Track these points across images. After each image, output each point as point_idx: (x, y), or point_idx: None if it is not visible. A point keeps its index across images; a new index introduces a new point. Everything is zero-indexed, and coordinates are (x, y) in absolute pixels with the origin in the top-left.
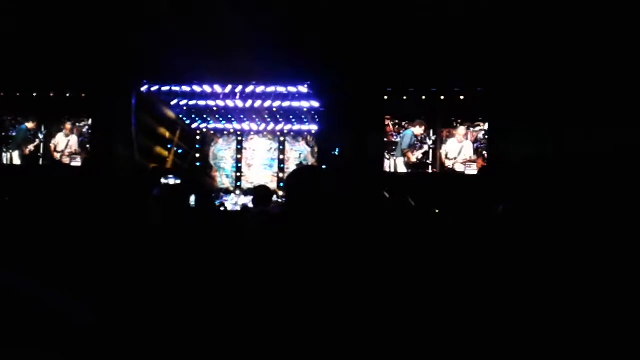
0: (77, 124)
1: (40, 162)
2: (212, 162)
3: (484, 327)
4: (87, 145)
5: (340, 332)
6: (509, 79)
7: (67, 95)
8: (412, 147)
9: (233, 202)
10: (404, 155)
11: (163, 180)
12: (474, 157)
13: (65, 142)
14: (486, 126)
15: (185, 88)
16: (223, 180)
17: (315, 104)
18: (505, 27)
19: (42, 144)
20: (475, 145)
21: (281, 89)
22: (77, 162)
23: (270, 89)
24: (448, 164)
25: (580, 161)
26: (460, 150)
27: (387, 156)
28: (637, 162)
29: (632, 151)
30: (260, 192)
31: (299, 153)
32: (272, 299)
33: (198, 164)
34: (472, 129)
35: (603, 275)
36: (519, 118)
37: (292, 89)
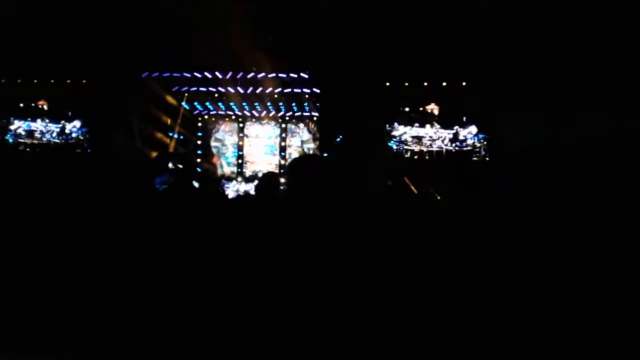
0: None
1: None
2: (213, 149)
3: (483, 316)
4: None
5: (345, 321)
6: (510, 68)
7: (68, 81)
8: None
9: (234, 189)
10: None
11: (170, 166)
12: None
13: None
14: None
15: (187, 74)
16: (224, 167)
17: (317, 90)
18: (507, 15)
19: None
20: (476, 134)
21: (282, 76)
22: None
23: (272, 75)
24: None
25: (574, 151)
26: (438, 137)
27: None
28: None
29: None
30: (267, 180)
31: (300, 140)
32: (275, 291)
33: (199, 151)
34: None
35: (603, 266)
36: (517, 107)
37: (293, 75)
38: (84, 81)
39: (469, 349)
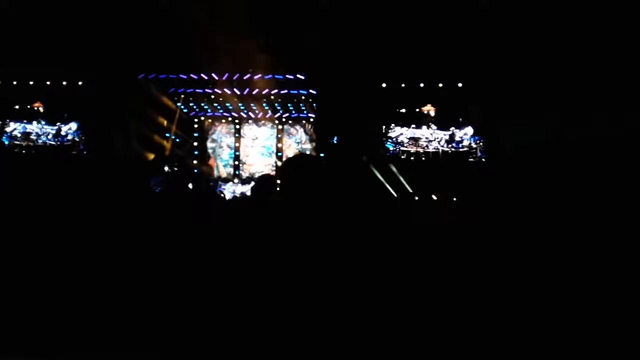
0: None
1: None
2: (209, 151)
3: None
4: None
5: (342, 319)
6: (506, 68)
7: (64, 83)
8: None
9: (231, 191)
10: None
11: (166, 169)
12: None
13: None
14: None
15: (183, 76)
16: (220, 168)
17: (313, 91)
18: (502, 15)
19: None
20: (473, 135)
21: (279, 77)
22: None
23: (268, 77)
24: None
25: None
26: (434, 137)
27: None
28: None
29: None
30: (262, 182)
31: (296, 141)
32: (270, 289)
33: (196, 152)
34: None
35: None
36: (512, 107)
37: (290, 77)
38: (80, 83)
39: (469, 347)
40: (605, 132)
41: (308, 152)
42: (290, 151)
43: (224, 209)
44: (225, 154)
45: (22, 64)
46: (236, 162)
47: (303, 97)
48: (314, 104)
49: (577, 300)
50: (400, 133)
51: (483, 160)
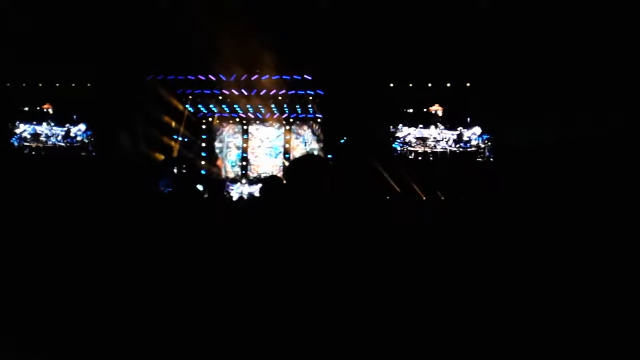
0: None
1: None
2: (217, 151)
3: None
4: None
5: (347, 321)
6: (513, 69)
7: (73, 85)
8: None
9: (239, 191)
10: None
11: (175, 170)
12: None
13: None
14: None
15: (191, 77)
16: (228, 168)
17: (321, 92)
18: (511, 16)
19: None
20: (481, 134)
21: (286, 78)
22: None
23: (276, 77)
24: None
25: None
26: (442, 138)
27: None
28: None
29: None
30: (270, 182)
31: (304, 141)
32: (276, 293)
33: (204, 153)
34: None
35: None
36: (517, 108)
37: (297, 77)
38: (88, 84)
39: (468, 348)
40: (605, 133)
41: (316, 153)
42: (297, 152)
43: (231, 209)
44: (233, 155)
45: (32, 66)
46: (244, 163)
47: (310, 98)
48: (322, 105)
49: (578, 299)
50: (408, 133)
51: (491, 159)
